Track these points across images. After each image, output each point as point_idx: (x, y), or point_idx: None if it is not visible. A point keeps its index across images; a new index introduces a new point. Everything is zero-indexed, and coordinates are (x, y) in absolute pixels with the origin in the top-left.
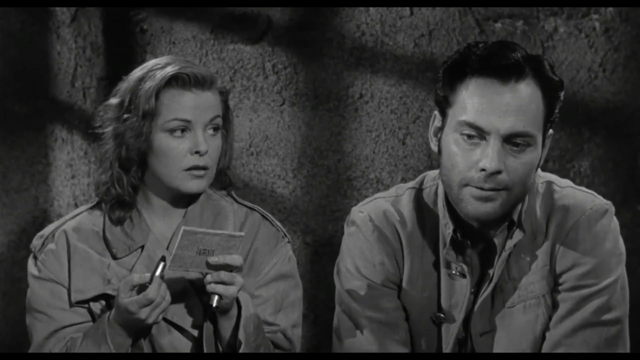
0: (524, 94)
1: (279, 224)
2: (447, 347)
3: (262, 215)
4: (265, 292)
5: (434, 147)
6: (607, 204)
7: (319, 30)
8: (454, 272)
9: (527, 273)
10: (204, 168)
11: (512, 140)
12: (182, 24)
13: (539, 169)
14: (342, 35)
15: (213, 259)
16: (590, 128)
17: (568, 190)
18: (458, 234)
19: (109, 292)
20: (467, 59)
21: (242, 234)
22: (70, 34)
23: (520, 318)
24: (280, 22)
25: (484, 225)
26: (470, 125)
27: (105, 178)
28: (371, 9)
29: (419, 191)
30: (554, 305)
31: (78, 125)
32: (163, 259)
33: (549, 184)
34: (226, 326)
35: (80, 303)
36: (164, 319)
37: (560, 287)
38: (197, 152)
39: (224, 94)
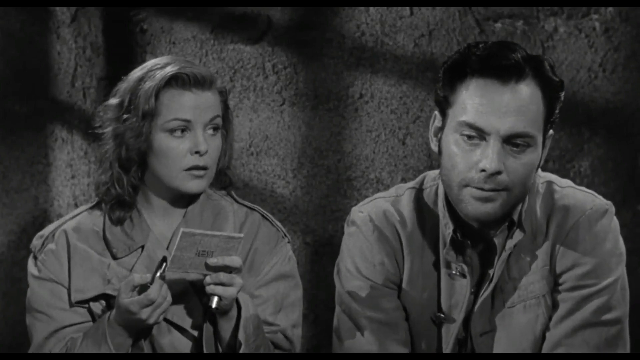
0: (524, 95)
1: (279, 224)
2: (447, 347)
3: (262, 215)
4: (265, 292)
5: (434, 147)
6: (607, 204)
7: (319, 30)
8: (454, 272)
9: (527, 273)
10: (204, 168)
11: (512, 141)
12: (182, 24)
13: (539, 169)
14: (342, 35)
15: (212, 261)
16: (590, 128)
17: (568, 190)
18: (458, 234)
19: (109, 292)
20: (467, 59)
21: (241, 235)
22: (70, 34)
23: (520, 318)
24: (280, 22)
25: (484, 225)
26: (470, 126)
27: (105, 178)
28: (371, 9)
29: (419, 191)
30: (554, 305)
31: (78, 125)
32: (164, 259)
33: (549, 184)
34: (226, 327)
35: (80, 303)
36: (165, 319)
37: (560, 287)
38: (197, 152)
39: (223, 94)
